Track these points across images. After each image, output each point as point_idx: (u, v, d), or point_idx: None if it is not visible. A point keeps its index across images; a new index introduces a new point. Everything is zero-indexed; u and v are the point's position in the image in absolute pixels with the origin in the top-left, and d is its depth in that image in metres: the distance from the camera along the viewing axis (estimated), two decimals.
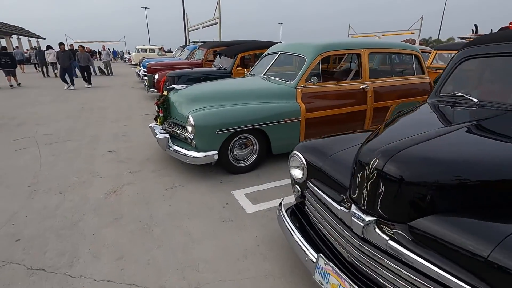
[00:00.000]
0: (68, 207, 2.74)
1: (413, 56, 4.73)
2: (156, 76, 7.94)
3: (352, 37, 28.43)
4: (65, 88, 10.63)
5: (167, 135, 3.49)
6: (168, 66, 8.53)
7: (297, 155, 1.97)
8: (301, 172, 1.95)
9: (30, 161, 3.82)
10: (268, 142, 3.53)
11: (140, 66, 12.38)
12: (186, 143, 3.45)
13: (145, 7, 43.40)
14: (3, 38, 36.11)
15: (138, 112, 6.80)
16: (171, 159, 3.82)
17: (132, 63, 24.41)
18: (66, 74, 10.76)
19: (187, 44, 22.81)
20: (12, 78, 11.34)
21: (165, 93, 3.68)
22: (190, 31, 22.54)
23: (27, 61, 20.83)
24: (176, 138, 3.61)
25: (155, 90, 8.08)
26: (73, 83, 10.83)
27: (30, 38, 42.63)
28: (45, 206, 2.74)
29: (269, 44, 6.57)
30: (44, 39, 45.75)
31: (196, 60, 8.72)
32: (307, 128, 3.67)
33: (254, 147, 3.54)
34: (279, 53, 4.21)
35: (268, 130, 3.41)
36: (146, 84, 8.66)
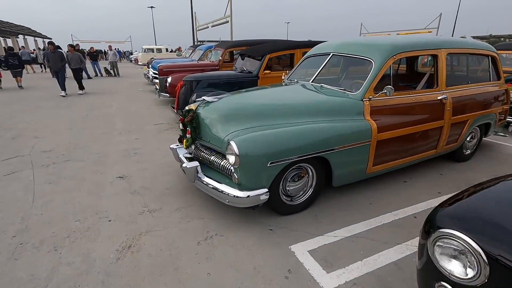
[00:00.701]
0: (65, 277, 1.90)
1: (489, 57, 3.83)
2: (169, 80, 7.10)
3: (365, 36, 27.42)
4: (62, 95, 9.01)
5: (196, 163, 2.64)
6: (181, 68, 7.69)
7: (459, 238, 1.11)
8: (473, 272, 1.09)
9: (21, 193, 3.00)
10: (328, 171, 2.67)
11: (148, 67, 11.57)
12: (221, 173, 2.61)
13: (151, 7, 42.70)
14: (9, 38, 35.72)
15: (150, 121, 5.97)
16: (197, 189, 2.98)
17: (139, 63, 23.67)
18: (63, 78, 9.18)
19: (196, 43, 22.02)
20: (19, 79, 11.09)
21: (192, 106, 2.82)
22: (198, 30, 21.73)
23: (34, 61, 20.40)
24: (205, 164, 2.77)
25: (167, 95, 7.24)
26: (63, 89, 9.08)
27: (36, 38, 42.22)
28: (33, 276, 1.91)
29: (302, 44, 5.70)
30: (50, 39, 45.37)
31: (212, 62, 7.88)
32: (376, 152, 2.80)
33: (310, 179, 2.68)
34: (331, 54, 3.34)
35: (332, 158, 2.54)
36: (157, 88, 7.84)
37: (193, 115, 2.71)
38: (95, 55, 15.64)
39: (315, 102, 2.81)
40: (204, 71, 7.60)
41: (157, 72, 9.06)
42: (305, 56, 3.89)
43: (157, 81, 8.56)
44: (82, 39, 43.82)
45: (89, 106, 7.48)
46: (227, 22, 15.83)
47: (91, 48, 16.23)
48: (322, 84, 3.17)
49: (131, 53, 40.50)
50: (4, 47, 32.21)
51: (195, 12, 21.96)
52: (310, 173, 2.64)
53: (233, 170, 2.37)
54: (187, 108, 3.23)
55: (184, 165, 2.61)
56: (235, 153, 2.21)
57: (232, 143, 2.23)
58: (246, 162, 2.22)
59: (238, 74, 5.48)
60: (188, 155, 2.90)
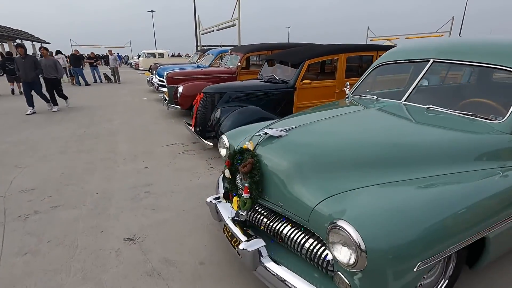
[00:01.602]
0: None
1: None
2: (180, 89, 6.09)
3: (371, 40, 26.55)
4: (49, 108, 7.53)
5: (261, 242, 1.59)
6: (193, 75, 6.67)
7: None
8: None
9: None
10: (473, 253, 1.64)
11: (152, 74, 10.57)
12: (297, 254, 1.56)
13: (152, 11, 41.89)
14: (6, 42, 34.70)
15: (160, 141, 4.92)
16: (245, 268, 1.93)
17: (140, 68, 22.68)
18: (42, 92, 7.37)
19: (199, 48, 21.01)
20: (16, 84, 10.45)
21: (248, 145, 1.77)
22: (202, 34, 20.78)
23: None
24: (271, 239, 1.72)
25: (178, 107, 6.22)
26: (47, 101, 7.54)
27: (34, 43, 41.12)
28: None
29: (350, 47, 4.68)
30: (49, 43, 44.09)
31: (228, 68, 6.86)
32: None
33: (445, 267, 1.64)
34: (431, 61, 2.32)
35: (491, 234, 1.51)
36: (166, 99, 6.80)
37: (253, 161, 1.65)
38: (93, 60, 14.56)
39: (444, 141, 1.76)
40: (221, 80, 6.60)
41: (164, 80, 8.06)
42: (377, 63, 2.88)
43: (164, 90, 7.54)
44: (81, 44, 43.01)
45: (87, 120, 6.41)
46: (235, 25, 14.86)
47: (91, 53, 15.21)
48: (430, 106, 2.14)
49: (128, 58, 39.47)
50: (1, 52, 31.15)
51: (198, 16, 21.04)
52: (448, 258, 1.61)
53: (336, 268, 1.33)
54: (224, 143, 2.21)
55: (241, 247, 1.56)
56: (357, 247, 1.16)
57: (348, 228, 1.19)
58: (379, 264, 1.18)
59: (269, 84, 4.45)
60: (237, 219, 1.86)
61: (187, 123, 4.78)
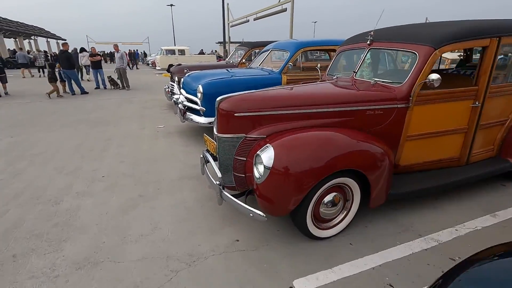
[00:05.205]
0: None
1: None
2: (266, 159, 1.83)
3: None
4: None
5: None
6: (288, 108, 2.34)
7: None
8: None
9: None
10: None
11: (173, 81, 6.36)
12: None
13: (171, 5, 37.89)
14: (16, 39, 31.74)
15: None
16: None
17: (157, 68, 18.71)
18: None
19: (226, 42, 16.81)
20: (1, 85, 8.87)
21: None
22: (231, 26, 16.50)
23: (31, 64, 16.51)
24: None
25: (260, 214, 1.95)
26: None
27: (48, 39, 38.10)
28: None
29: None
30: (65, 40, 41.21)
31: (384, 87, 2.52)
32: None
33: None
34: None
35: None
36: (208, 160, 2.53)
37: None
38: (100, 57, 10.57)
39: None
40: (369, 120, 2.31)
41: (197, 99, 3.82)
42: None
43: (205, 122, 3.28)
44: (98, 41, 39.40)
45: (4, 229, 2.27)
46: (285, 10, 10.47)
47: (92, 48, 11.20)
48: None
49: (145, 55, 35.24)
50: (9, 48, 28.19)
51: (227, 4, 16.72)
52: None
53: None
54: None
55: None
56: None
57: None
58: None
59: None
60: None
61: None
